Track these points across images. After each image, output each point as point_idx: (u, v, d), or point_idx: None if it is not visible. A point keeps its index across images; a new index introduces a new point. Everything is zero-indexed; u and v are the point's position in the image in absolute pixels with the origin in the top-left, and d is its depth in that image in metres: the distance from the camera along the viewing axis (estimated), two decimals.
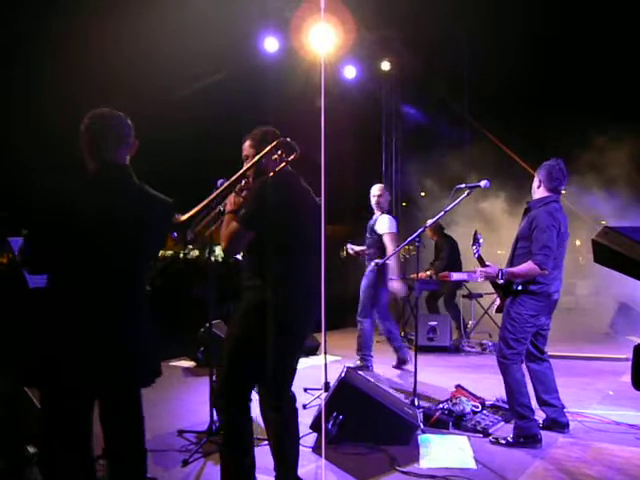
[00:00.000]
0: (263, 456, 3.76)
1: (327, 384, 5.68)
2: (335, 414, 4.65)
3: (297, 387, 6.11)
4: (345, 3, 9.14)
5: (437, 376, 6.92)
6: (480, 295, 9.48)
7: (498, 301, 5.06)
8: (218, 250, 6.17)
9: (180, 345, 7.80)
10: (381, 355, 8.41)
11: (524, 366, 4.93)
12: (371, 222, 7.35)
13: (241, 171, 3.30)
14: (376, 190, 7.44)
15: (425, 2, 9.88)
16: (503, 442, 4.71)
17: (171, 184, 3.09)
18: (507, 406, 5.04)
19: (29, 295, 3.82)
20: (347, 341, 9.44)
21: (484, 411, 5.36)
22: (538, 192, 4.92)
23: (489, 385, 6.09)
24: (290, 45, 10.14)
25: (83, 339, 2.67)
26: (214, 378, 4.45)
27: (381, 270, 7.04)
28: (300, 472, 3.90)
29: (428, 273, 9.32)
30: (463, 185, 5.62)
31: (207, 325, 6.63)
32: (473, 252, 4.98)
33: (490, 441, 4.78)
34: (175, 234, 2.92)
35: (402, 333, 9.50)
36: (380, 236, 7.15)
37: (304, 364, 7.61)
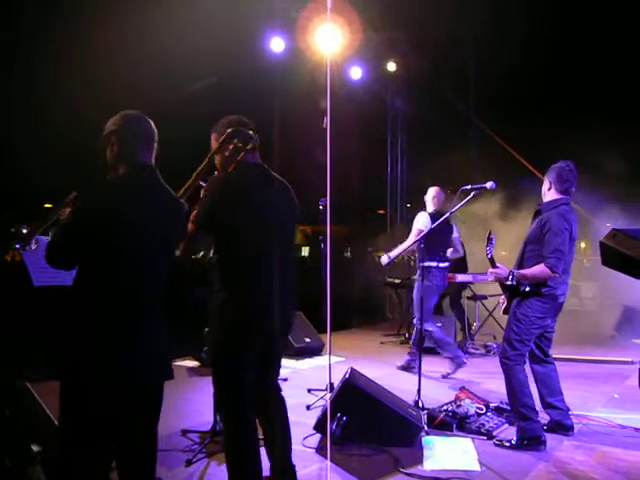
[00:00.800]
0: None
1: (331, 385, 5.67)
2: (339, 415, 4.64)
3: (301, 388, 6.17)
4: (351, 4, 9.13)
5: (441, 378, 6.91)
6: (485, 297, 9.45)
7: (504, 302, 5.04)
8: None
9: (184, 345, 7.79)
10: (385, 356, 8.40)
11: (528, 368, 4.92)
12: None
13: (202, 164, 3.23)
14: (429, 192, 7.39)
15: (431, 3, 9.86)
16: (507, 444, 4.70)
17: (174, 181, 3.08)
18: (511, 408, 5.04)
19: (33, 293, 3.81)
20: (352, 342, 9.46)
21: (488, 413, 5.34)
22: (549, 194, 4.89)
23: (493, 387, 6.08)
24: (296, 45, 10.14)
25: (108, 338, 2.66)
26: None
27: (425, 275, 6.84)
28: (304, 473, 3.92)
29: None
30: (469, 186, 5.61)
31: None
32: (486, 252, 4.94)
33: (494, 443, 4.77)
34: None
35: (407, 335, 9.50)
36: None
37: (309, 365, 7.63)
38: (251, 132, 3.42)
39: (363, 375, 5.03)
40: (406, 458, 4.44)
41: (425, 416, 5.16)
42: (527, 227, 7.00)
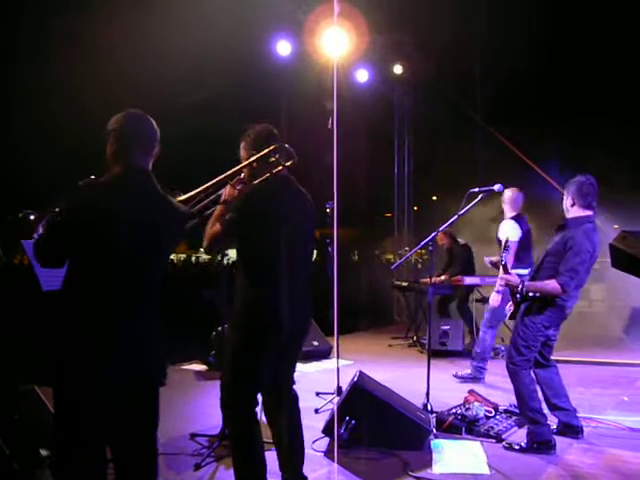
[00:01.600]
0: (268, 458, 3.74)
1: (339, 388, 5.66)
2: (347, 418, 4.64)
3: (309, 391, 6.16)
4: (358, 7, 9.14)
5: (450, 381, 6.89)
6: None
7: (511, 307, 5.02)
8: (231, 253, 6.19)
9: (192, 348, 7.81)
10: (393, 359, 8.39)
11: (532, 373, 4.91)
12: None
13: (235, 168, 3.38)
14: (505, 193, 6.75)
15: (437, 5, 9.86)
16: (517, 447, 4.68)
17: (180, 184, 3.10)
18: (519, 412, 5.02)
19: (42, 297, 3.82)
20: (359, 345, 9.45)
21: (497, 416, 5.32)
22: (572, 210, 4.81)
23: (502, 390, 6.06)
24: (303, 49, 10.16)
25: (97, 340, 2.65)
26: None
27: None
28: (312, 476, 3.91)
29: (442, 278, 9.25)
30: (476, 189, 5.60)
31: (219, 328, 6.64)
32: (501, 259, 4.92)
33: (503, 446, 4.75)
34: None
35: (415, 338, 9.48)
36: (500, 242, 6.40)
37: (316, 368, 7.63)
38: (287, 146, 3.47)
39: (371, 378, 5.02)
40: (415, 461, 4.42)
41: (434, 419, 5.15)
42: (532, 229, 6.98)
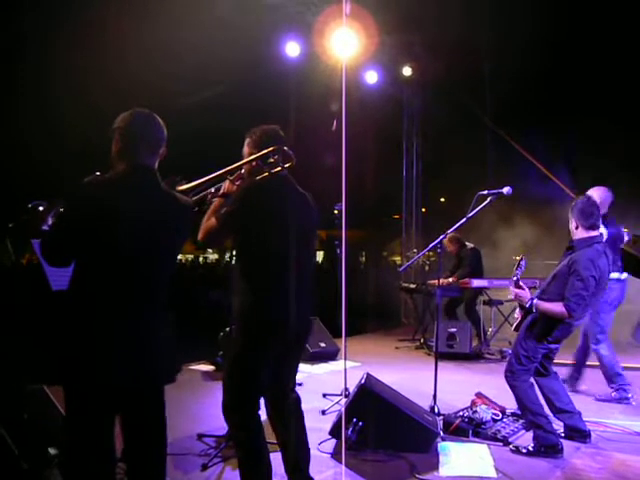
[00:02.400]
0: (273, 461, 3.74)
1: (347, 390, 5.67)
2: (355, 420, 4.64)
3: (317, 392, 6.17)
4: (367, 8, 9.14)
5: (457, 383, 6.87)
6: (501, 302, 9.40)
7: (518, 316, 5.01)
8: None
9: (199, 349, 7.82)
10: (400, 361, 8.39)
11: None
12: None
13: (236, 164, 3.42)
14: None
15: (446, 6, 9.85)
16: (524, 451, 4.67)
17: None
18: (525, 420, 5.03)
19: (51, 297, 3.83)
20: (367, 347, 9.45)
21: (504, 419, 5.31)
22: (578, 233, 4.80)
23: (510, 393, 6.03)
24: (312, 50, 10.16)
25: (105, 339, 2.66)
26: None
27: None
28: (319, 478, 3.91)
29: (450, 280, 9.23)
30: (485, 192, 5.58)
31: (226, 329, 6.65)
32: (513, 275, 4.90)
33: (510, 450, 4.74)
34: None
35: (422, 340, 9.47)
36: None
37: (324, 369, 7.63)
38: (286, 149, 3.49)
39: (379, 380, 5.02)
40: (422, 464, 4.42)
41: (441, 422, 5.14)
42: (539, 231, 6.95)
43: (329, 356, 8.21)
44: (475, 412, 5.23)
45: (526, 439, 4.89)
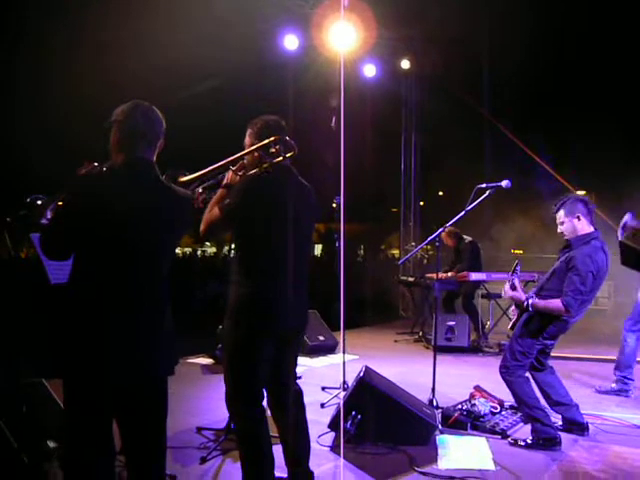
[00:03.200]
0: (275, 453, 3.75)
1: (345, 383, 5.67)
2: (354, 413, 4.64)
3: (315, 386, 6.17)
4: (365, 1, 9.13)
5: (455, 376, 6.89)
6: (499, 295, 9.36)
7: (514, 316, 5.00)
8: None
9: (198, 342, 7.82)
10: (399, 354, 8.40)
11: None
12: None
13: (237, 154, 3.36)
14: None
15: (445, 0, 9.85)
16: (522, 444, 4.68)
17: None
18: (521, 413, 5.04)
19: (50, 290, 3.83)
20: (365, 340, 9.46)
21: (503, 412, 5.33)
22: (579, 227, 4.73)
23: None
24: (310, 43, 10.14)
25: (104, 332, 2.65)
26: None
27: None
28: (318, 471, 3.91)
29: (449, 274, 9.23)
30: (484, 185, 5.57)
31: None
32: (508, 280, 4.89)
33: (509, 442, 4.76)
34: None
35: (420, 333, 9.48)
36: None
37: (322, 363, 7.64)
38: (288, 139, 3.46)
39: (377, 373, 5.02)
40: (421, 457, 4.43)
41: (439, 415, 5.15)
42: (537, 225, 6.95)
43: (328, 349, 8.22)
44: (473, 405, 5.24)
45: (524, 432, 4.90)
